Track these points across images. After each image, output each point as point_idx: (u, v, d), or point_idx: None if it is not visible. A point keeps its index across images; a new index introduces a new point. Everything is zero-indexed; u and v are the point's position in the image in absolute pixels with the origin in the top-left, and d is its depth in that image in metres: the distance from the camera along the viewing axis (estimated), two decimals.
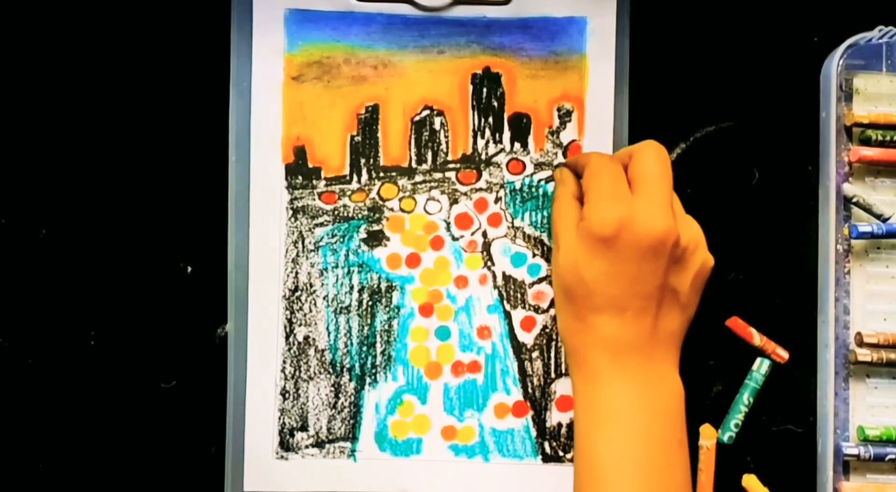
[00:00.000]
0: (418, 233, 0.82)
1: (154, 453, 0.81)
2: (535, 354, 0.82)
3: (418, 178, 0.82)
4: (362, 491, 0.81)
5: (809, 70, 0.83)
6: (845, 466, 0.81)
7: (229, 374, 0.81)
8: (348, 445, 0.81)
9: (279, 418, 0.81)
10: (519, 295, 0.82)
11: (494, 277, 0.82)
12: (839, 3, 0.83)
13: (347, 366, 0.82)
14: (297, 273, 0.81)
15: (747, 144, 0.83)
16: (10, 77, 0.82)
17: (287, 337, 0.81)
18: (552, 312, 0.82)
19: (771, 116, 0.83)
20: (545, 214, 0.82)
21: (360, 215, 0.82)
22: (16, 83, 0.82)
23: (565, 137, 0.82)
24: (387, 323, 0.82)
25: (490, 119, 0.82)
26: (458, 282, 0.82)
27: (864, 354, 0.80)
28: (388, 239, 0.82)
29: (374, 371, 0.82)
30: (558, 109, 0.83)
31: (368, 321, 0.82)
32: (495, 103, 0.82)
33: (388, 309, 0.82)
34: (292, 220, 0.82)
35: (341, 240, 0.82)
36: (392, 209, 0.82)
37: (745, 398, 0.81)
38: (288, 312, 0.81)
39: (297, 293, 0.81)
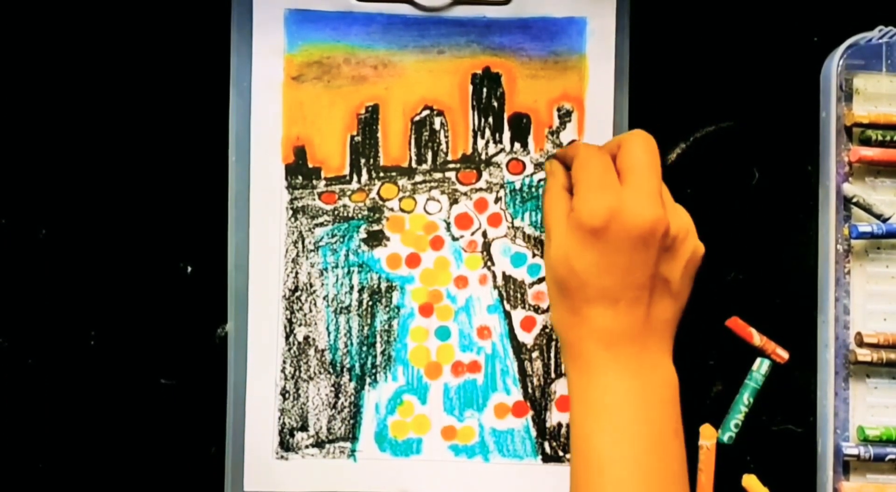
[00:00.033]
0: (418, 233, 0.82)
1: (154, 454, 0.81)
2: (535, 354, 0.82)
3: (418, 178, 0.82)
4: (362, 491, 0.81)
5: (809, 70, 0.83)
6: (845, 466, 0.81)
7: (229, 374, 0.81)
8: (348, 445, 0.81)
9: (279, 418, 0.81)
10: (519, 295, 0.82)
11: (494, 277, 0.82)
12: (839, 3, 0.83)
13: (347, 366, 0.82)
14: (297, 273, 0.81)
15: (747, 144, 0.83)
16: (10, 77, 0.82)
17: (287, 337, 0.81)
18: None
19: (771, 116, 0.83)
20: None
21: (360, 215, 0.82)
22: (16, 83, 0.82)
23: (565, 137, 0.82)
24: (387, 323, 0.82)
25: (490, 119, 0.82)
26: (458, 282, 0.82)
27: (864, 354, 0.80)
28: (388, 239, 0.82)
29: (374, 371, 0.82)
30: (558, 109, 0.83)
31: (368, 321, 0.82)
32: (495, 103, 0.83)
33: (388, 309, 0.82)
34: (292, 220, 0.82)
35: (341, 240, 0.82)
36: (392, 209, 0.82)
37: (745, 398, 0.81)
38: (288, 312, 0.81)
39: (297, 293, 0.81)
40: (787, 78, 0.83)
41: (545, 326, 0.82)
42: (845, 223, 0.81)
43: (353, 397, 0.82)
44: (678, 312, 0.76)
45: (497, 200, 0.82)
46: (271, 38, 0.82)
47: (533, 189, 0.82)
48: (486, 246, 0.82)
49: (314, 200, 0.82)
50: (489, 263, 0.82)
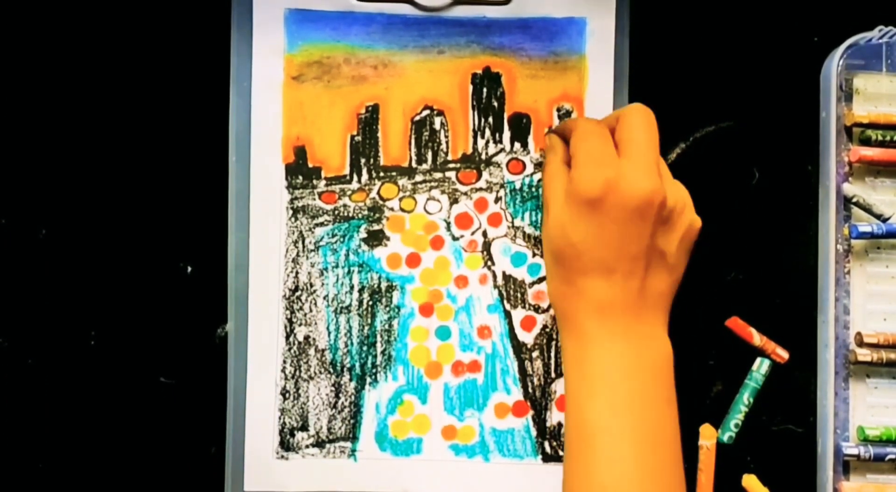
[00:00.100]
0: (418, 233, 0.82)
1: (154, 454, 0.81)
2: (536, 353, 0.82)
3: (418, 177, 0.82)
4: (363, 491, 0.81)
5: (809, 70, 0.83)
6: (845, 466, 0.81)
7: (229, 374, 0.81)
8: (349, 445, 0.81)
9: (279, 418, 0.81)
10: (519, 295, 0.82)
11: (494, 276, 0.82)
12: (839, 3, 0.83)
13: (348, 366, 0.82)
14: (297, 273, 0.81)
15: (747, 144, 0.83)
16: (10, 77, 0.82)
17: (287, 337, 0.81)
18: (552, 311, 0.82)
19: (771, 116, 0.83)
20: None
21: (360, 215, 0.82)
22: (16, 83, 0.82)
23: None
24: (387, 323, 0.82)
25: (490, 119, 0.82)
26: (459, 282, 0.82)
27: (864, 354, 0.80)
28: (388, 239, 0.82)
29: (374, 371, 0.82)
30: (558, 110, 0.83)
31: (369, 321, 0.82)
32: (495, 103, 0.83)
33: (388, 309, 0.82)
34: (292, 219, 0.82)
35: (341, 240, 0.82)
36: (392, 209, 0.82)
37: (745, 398, 0.81)
38: (288, 312, 0.81)
39: (298, 293, 0.82)
40: (787, 78, 0.83)
41: (545, 326, 0.82)
42: (845, 223, 0.81)
43: (353, 397, 0.82)
44: (674, 285, 0.76)
45: (497, 199, 0.83)
46: (271, 38, 0.82)
47: (533, 189, 0.82)
48: (487, 246, 0.82)
49: (314, 199, 0.82)
50: (489, 263, 0.82)
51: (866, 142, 0.81)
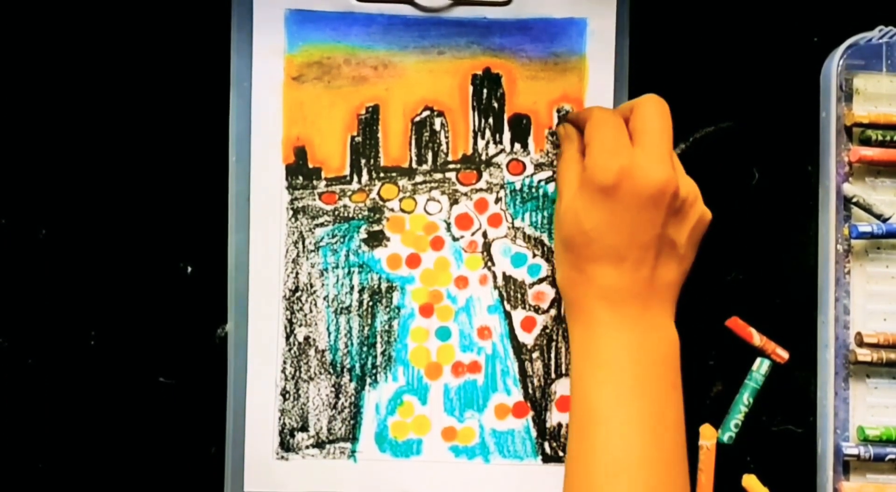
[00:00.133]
0: (418, 233, 0.82)
1: (154, 454, 0.81)
2: (536, 354, 0.82)
3: (419, 178, 0.82)
4: None
5: (809, 70, 0.83)
6: (845, 466, 0.81)
7: (229, 374, 0.81)
8: (348, 445, 0.81)
9: (279, 419, 0.81)
10: (519, 295, 0.82)
11: (495, 277, 0.82)
12: (839, 3, 0.83)
13: (348, 366, 0.82)
14: (297, 273, 0.81)
15: (747, 144, 0.83)
16: (10, 77, 0.82)
17: (287, 337, 0.81)
18: (552, 312, 0.82)
19: (771, 116, 0.83)
20: (545, 214, 0.82)
21: (360, 216, 0.82)
22: (16, 83, 0.82)
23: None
24: (387, 323, 0.82)
25: (490, 120, 0.82)
26: (459, 282, 0.82)
27: (864, 355, 0.80)
28: (388, 239, 0.82)
29: (374, 372, 0.82)
30: (558, 111, 0.83)
31: (369, 322, 0.82)
32: (495, 104, 0.83)
33: (388, 309, 0.82)
34: (293, 220, 0.82)
35: (342, 240, 0.82)
36: (392, 210, 0.82)
37: (745, 398, 0.81)
38: (288, 313, 0.81)
39: (298, 293, 0.81)
40: (787, 78, 0.83)
41: (545, 327, 0.82)
42: (845, 223, 0.81)
43: (353, 398, 0.82)
44: (682, 276, 0.76)
45: (497, 200, 0.83)
46: (272, 39, 0.82)
47: (533, 190, 0.82)
48: (487, 246, 0.82)
49: (314, 200, 0.82)
50: (489, 264, 0.82)
51: (866, 142, 0.81)
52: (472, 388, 0.82)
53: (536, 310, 0.82)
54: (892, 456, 0.80)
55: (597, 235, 0.74)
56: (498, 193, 0.83)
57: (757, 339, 0.82)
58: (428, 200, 0.82)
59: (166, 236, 0.82)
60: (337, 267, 0.82)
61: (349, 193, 0.82)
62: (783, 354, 0.82)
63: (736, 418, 0.81)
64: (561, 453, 0.81)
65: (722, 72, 0.83)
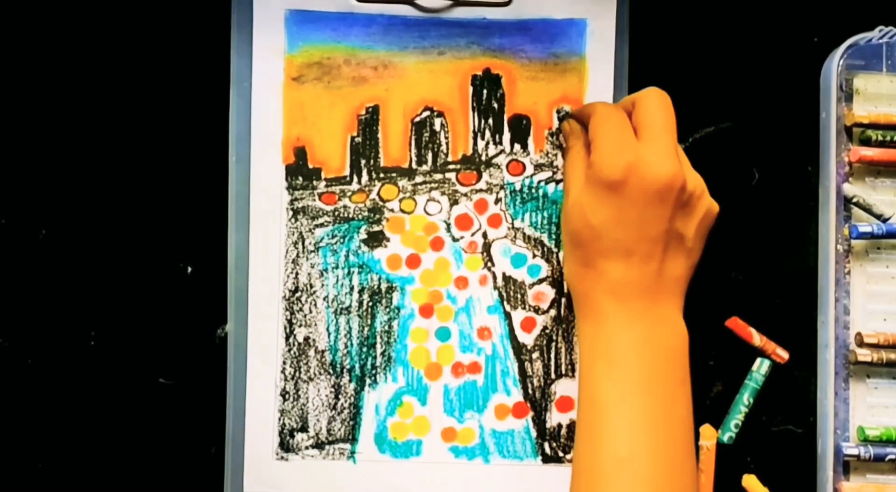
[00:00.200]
0: (418, 234, 0.82)
1: (154, 454, 0.81)
2: (536, 354, 0.82)
3: (418, 179, 0.82)
4: None
5: (809, 70, 0.83)
6: (845, 466, 0.81)
7: (229, 374, 0.81)
8: (348, 446, 0.81)
9: (279, 419, 0.81)
10: (519, 296, 0.82)
11: (494, 277, 0.82)
12: (839, 3, 0.83)
13: (347, 367, 0.82)
14: (297, 274, 0.81)
15: (747, 144, 0.83)
16: (10, 77, 0.82)
17: (287, 338, 0.81)
18: (552, 313, 0.82)
19: (771, 116, 0.83)
20: (545, 214, 0.82)
21: (360, 216, 0.82)
22: (16, 83, 0.82)
23: (565, 138, 0.82)
24: (387, 324, 0.82)
25: (490, 120, 0.82)
26: (459, 283, 0.82)
27: (865, 355, 0.80)
28: (388, 240, 0.82)
29: (374, 372, 0.82)
30: (558, 111, 0.83)
31: (368, 322, 0.82)
32: (495, 105, 0.83)
33: (388, 310, 0.82)
34: (292, 220, 0.82)
35: (341, 241, 0.82)
36: (392, 210, 0.82)
37: (745, 398, 0.81)
38: (288, 313, 0.81)
39: (298, 294, 0.81)
40: (787, 78, 0.83)
41: (545, 327, 0.82)
42: (845, 223, 0.81)
43: (352, 399, 0.81)
44: (690, 269, 0.77)
45: (497, 201, 0.83)
46: (272, 39, 0.82)
47: (533, 190, 0.82)
48: (487, 247, 0.82)
49: (314, 200, 0.82)
50: (489, 264, 0.82)
51: (866, 142, 0.81)
52: (471, 388, 0.82)
53: (536, 310, 0.82)
54: (893, 456, 0.80)
55: (604, 230, 0.74)
56: (498, 193, 0.83)
57: (757, 339, 0.82)
58: (428, 200, 0.82)
59: (166, 236, 0.82)
60: (337, 267, 0.82)
61: (349, 194, 0.82)
62: (783, 355, 0.82)
63: (736, 418, 0.81)
64: (561, 454, 0.81)
65: (722, 72, 0.83)
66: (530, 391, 0.82)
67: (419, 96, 0.82)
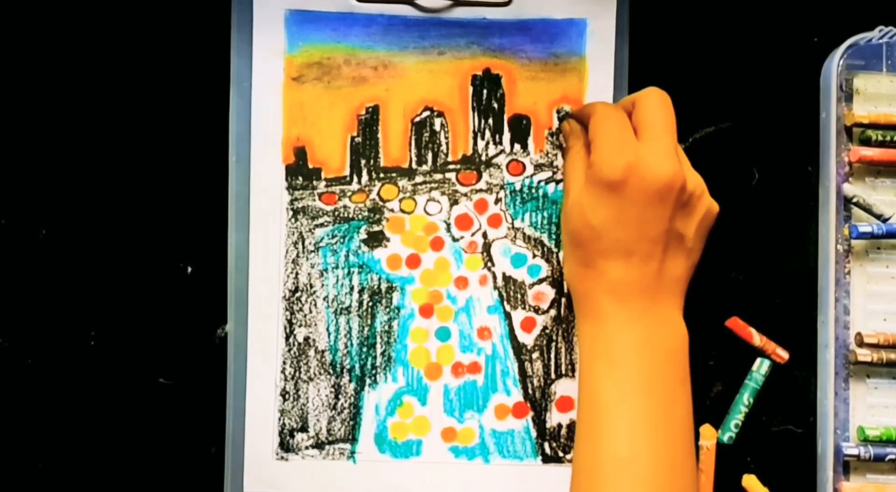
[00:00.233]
0: (418, 234, 0.82)
1: (154, 454, 0.81)
2: (536, 354, 0.82)
3: (418, 179, 0.82)
4: None
5: (809, 70, 0.83)
6: (845, 466, 0.81)
7: (229, 374, 0.81)
8: (348, 446, 0.81)
9: (279, 419, 0.81)
10: (519, 296, 0.82)
11: (495, 277, 0.82)
12: (839, 3, 0.83)
13: (347, 367, 0.82)
14: (297, 274, 0.81)
15: (747, 144, 0.83)
16: (10, 77, 0.82)
17: (287, 338, 0.81)
18: (552, 313, 0.82)
19: (771, 116, 0.83)
20: (545, 214, 0.82)
21: (360, 216, 0.82)
22: (16, 83, 0.82)
23: (565, 138, 0.82)
24: (387, 324, 0.82)
25: (490, 120, 0.82)
26: (459, 283, 0.82)
27: (865, 355, 0.80)
28: (388, 240, 0.82)
29: (374, 372, 0.82)
30: (558, 111, 0.83)
31: (368, 322, 0.82)
32: (495, 105, 0.83)
33: (388, 310, 0.82)
34: (292, 220, 0.82)
35: (341, 241, 0.82)
36: (392, 210, 0.82)
37: (745, 398, 0.81)
38: (288, 313, 0.81)
39: (298, 294, 0.81)
40: (787, 78, 0.83)
41: (545, 327, 0.82)
42: (845, 223, 0.81)
43: (352, 399, 0.81)
44: (690, 270, 0.76)
45: (497, 201, 0.83)
46: (272, 39, 0.82)
47: (533, 190, 0.82)
48: (487, 247, 0.82)
49: (314, 200, 0.82)
50: (489, 264, 0.82)
51: (866, 142, 0.81)
52: (471, 388, 0.82)
53: (536, 310, 0.82)
54: (893, 456, 0.80)
55: (604, 230, 0.74)
56: (498, 193, 0.83)
57: (757, 339, 0.82)
58: (428, 200, 0.82)
59: (166, 236, 0.82)
60: (337, 267, 0.82)
61: (349, 194, 0.82)
62: (783, 355, 0.82)
63: (736, 419, 0.81)
64: (561, 454, 0.81)
65: (722, 72, 0.83)
66: (530, 391, 0.82)
67: (419, 96, 0.82)
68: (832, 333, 0.81)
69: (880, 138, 0.81)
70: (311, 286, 0.82)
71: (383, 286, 0.82)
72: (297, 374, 0.81)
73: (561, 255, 0.82)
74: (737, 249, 0.82)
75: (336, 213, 0.82)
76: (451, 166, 0.82)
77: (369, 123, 0.82)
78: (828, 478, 0.80)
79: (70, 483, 0.81)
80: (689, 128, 0.82)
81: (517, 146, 0.83)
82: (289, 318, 0.81)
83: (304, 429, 0.81)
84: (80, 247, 0.81)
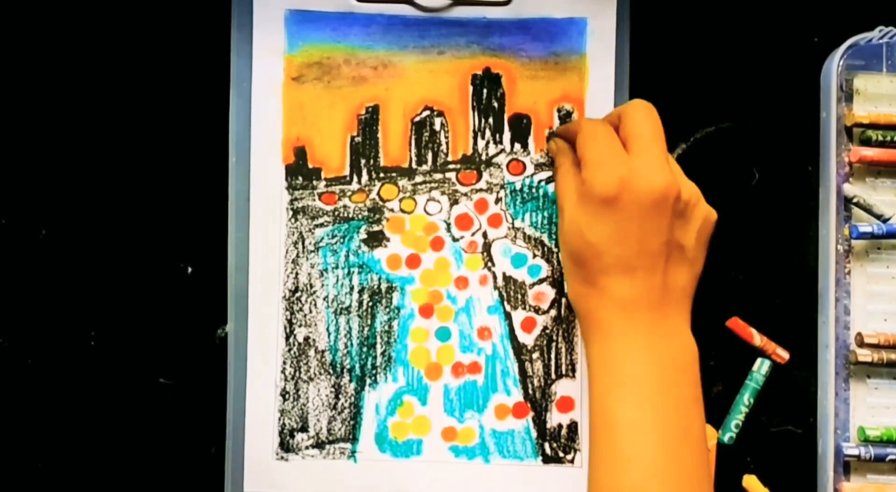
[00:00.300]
0: (418, 234, 0.82)
1: (154, 454, 0.81)
2: (536, 355, 0.82)
3: (418, 178, 0.82)
4: None
5: (809, 70, 0.83)
6: (846, 466, 0.81)
7: (229, 374, 0.81)
8: (348, 446, 0.81)
9: (279, 419, 0.81)
10: (519, 296, 0.82)
11: (495, 277, 0.82)
12: (839, 3, 0.83)
13: (347, 367, 0.82)
14: (297, 274, 0.81)
15: (747, 144, 0.83)
16: (10, 77, 0.82)
17: (287, 338, 0.81)
18: (552, 313, 0.82)
19: (771, 116, 0.83)
20: (546, 214, 0.82)
21: (360, 216, 0.82)
22: (16, 83, 0.82)
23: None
24: (387, 324, 0.82)
25: (490, 120, 0.82)
26: (459, 283, 0.82)
27: (865, 355, 0.80)
28: (388, 240, 0.82)
29: (374, 372, 0.82)
30: (558, 110, 0.83)
31: (368, 322, 0.82)
32: (495, 104, 0.83)
33: (388, 310, 0.82)
34: (292, 220, 0.82)
35: (341, 241, 0.82)
36: (392, 210, 0.82)
37: (745, 399, 0.81)
38: (288, 313, 0.81)
39: (298, 294, 0.81)
40: (787, 78, 0.83)
41: (545, 327, 0.82)
42: (845, 224, 0.81)
43: (353, 398, 0.81)
44: (694, 279, 0.76)
45: (497, 200, 0.82)
46: (271, 39, 0.82)
47: (533, 190, 0.82)
48: (487, 247, 0.82)
49: (314, 200, 0.82)
50: (489, 264, 0.82)
51: (866, 142, 0.81)
52: (472, 388, 0.82)
53: (536, 310, 0.82)
54: (893, 457, 0.80)
55: (604, 248, 0.74)
56: (498, 193, 0.82)
57: (757, 339, 0.82)
58: (428, 200, 0.82)
59: (166, 236, 0.82)
60: (337, 267, 0.82)
61: (349, 194, 0.82)
62: (783, 355, 0.82)
63: (736, 419, 0.81)
64: (561, 454, 0.81)
65: (722, 72, 0.83)
66: (530, 391, 0.82)
67: (419, 96, 0.82)
68: (832, 334, 0.81)
69: (880, 138, 0.81)
70: (311, 286, 0.82)
71: (383, 286, 0.82)
72: (297, 374, 0.81)
73: (561, 255, 0.82)
74: (737, 249, 0.82)
75: (336, 213, 0.82)
76: (451, 166, 0.82)
77: (369, 122, 0.82)
78: (828, 478, 0.80)
79: (70, 483, 0.81)
80: (689, 128, 0.82)
81: (517, 146, 0.82)
82: (289, 318, 0.81)
83: (304, 429, 0.81)
84: (80, 247, 0.81)
